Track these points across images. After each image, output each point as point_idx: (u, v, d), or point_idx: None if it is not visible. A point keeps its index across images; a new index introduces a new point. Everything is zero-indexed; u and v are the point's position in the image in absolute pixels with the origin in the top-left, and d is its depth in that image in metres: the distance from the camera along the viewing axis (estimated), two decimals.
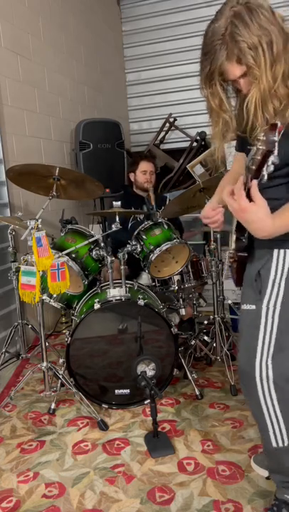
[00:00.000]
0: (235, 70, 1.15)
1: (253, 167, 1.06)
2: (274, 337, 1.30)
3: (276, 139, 1.01)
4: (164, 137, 4.92)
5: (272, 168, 1.04)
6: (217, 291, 2.59)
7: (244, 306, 1.40)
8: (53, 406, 2.24)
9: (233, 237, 1.40)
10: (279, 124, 1.02)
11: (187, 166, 4.44)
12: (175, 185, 4.64)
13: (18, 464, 1.86)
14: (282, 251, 1.28)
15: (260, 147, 1.02)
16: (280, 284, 1.29)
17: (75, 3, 4.13)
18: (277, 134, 1.01)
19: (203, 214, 1.48)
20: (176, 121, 4.87)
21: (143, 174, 3.24)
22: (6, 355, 2.74)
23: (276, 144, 1.01)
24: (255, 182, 1.11)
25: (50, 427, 2.13)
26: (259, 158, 1.04)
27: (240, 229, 1.28)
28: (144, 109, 5.21)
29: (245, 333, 1.38)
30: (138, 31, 5.09)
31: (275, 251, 1.29)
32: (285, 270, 1.29)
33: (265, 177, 1.06)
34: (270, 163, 1.04)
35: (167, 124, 4.85)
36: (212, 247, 2.52)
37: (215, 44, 1.14)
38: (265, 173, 1.05)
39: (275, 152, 1.02)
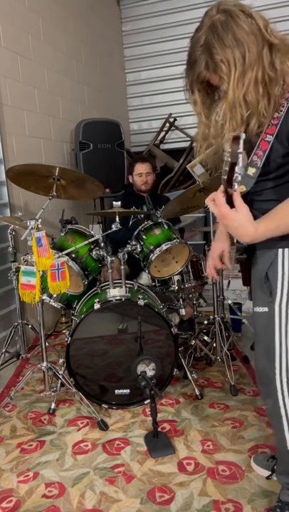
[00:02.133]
0: (215, 79, 1.18)
1: (224, 177, 1.10)
2: None
3: (240, 150, 1.04)
4: (164, 137, 4.92)
5: (239, 178, 1.07)
6: (217, 291, 2.59)
7: (256, 309, 1.41)
8: (53, 406, 2.24)
9: (235, 239, 1.40)
10: (242, 136, 1.04)
11: (187, 166, 4.43)
12: (175, 185, 4.64)
13: (18, 463, 1.86)
14: (286, 250, 1.29)
15: (228, 159, 1.06)
16: (288, 283, 1.29)
17: (75, 3, 4.13)
18: (241, 145, 1.04)
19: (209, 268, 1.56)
20: (176, 121, 4.87)
21: (139, 177, 3.24)
22: (6, 355, 2.74)
23: (240, 155, 1.04)
24: (237, 189, 1.13)
25: (50, 427, 2.13)
26: (227, 169, 1.08)
27: None
28: (144, 109, 5.21)
29: (262, 336, 1.39)
30: (138, 31, 5.09)
31: (280, 250, 1.29)
32: None
33: (236, 186, 1.08)
34: (236, 174, 1.07)
35: (167, 124, 4.85)
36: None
37: (196, 53, 1.17)
38: (235, 183, 1.08)
39: (240, 164, 1.05)
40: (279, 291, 1.30)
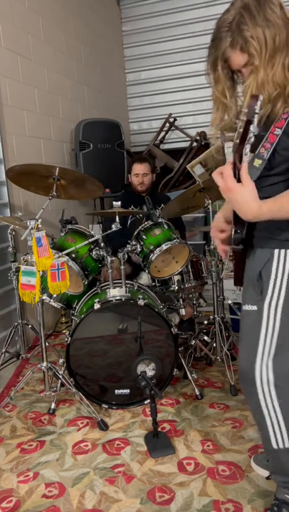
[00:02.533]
0: (238, 58, 1.20)
1: (237, 140, 1.08)
2: (275, 337, 1.29)
3: (257, 109, 1.03)
4: (164, 137, 4.92)
5: (253, 139, 1.06)
6: (217, 291, 2.59)
7: (245, 307, 1.40)
8: (53, 406, 2.24)
9: (232, 231, 1.39)
10: (260, 96, 1.04)
11: (187, 166, 4.43)
12: (175, 185, 4.64)
13: (18, 463, 1.86)
14: (282, 251, 1.28)
15: (243, 118, 1.05)
16: (281, 284, 1.29)
17: (75, 3, 4.13)
18: (258, 104, 1.03)
19: (212, 234, 1.52)
20: (176, 121, 4.87)
21: (136, 177, 3.23)
22: (6, 355, 2.75)
23: (256, 115, 1.04)
24: (245, 164, 1.11)
25: (50, 427, 2.13)
26: (241, 130, 1.06)
27: (239, 221, 1.27)
28: (144, 109, 5.20)
29: (247, 333, 1.38)
30: (138, 31, 5.08)
31: (276, 251, 1.29)
32: (287, 270, 1.28)
33: (248, 149, 1.07)
34: (251, 134, 1.05)
35: (167, 124, 4.85)
36: (212, 247, 2.52)
37: (221, 31, 1.19)
38: (247, 145, 1.07)
39: (255, 122, 1.04)
40: (270, 290, 1.30)
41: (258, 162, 1.22)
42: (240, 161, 1.11)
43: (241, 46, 1.17)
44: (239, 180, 1.12)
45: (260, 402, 1.32)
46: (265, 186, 1.27)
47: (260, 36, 1.14)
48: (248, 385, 1.35)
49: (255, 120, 1.04)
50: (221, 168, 1.16)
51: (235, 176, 1.12)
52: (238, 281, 1.47)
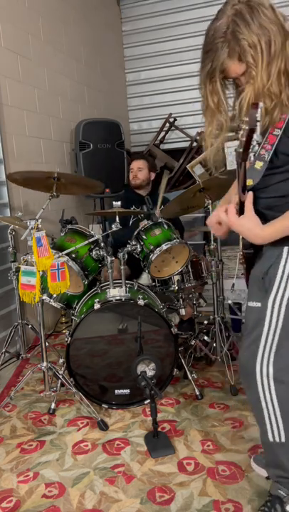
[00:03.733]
0: (236, 68, 1.18)
1: (240, 150, 1.09)
2: (278, 334, 1.31)
3: (258, 116, 1.03)
4: (164, 137, 4.92)
5: (257, 147, 1.08)
6: (217, 291, 2.59)
7: (250, 303, 1.42)
8: (53, 406, 2.24)
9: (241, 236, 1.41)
10: (261, 104, 1.04)
11: (187, 166, 4.43)
12: (175, 185, 4.64)
13: (18, 463, 1.86)
14: None
15: (245, 127, 1.05)
16: (287, 281, 1.30)
17: (75, 4, 4.13)
18: (259, 112, 1.04)
19: (209, 220, 1.53)
20: (176, 121, 4.87)
21: (131, 172, 3.35)
22: (6, 355, 2.74)
23: (258, 122, 1.04)
24: (250, 194, 1.20)
25: (50, 427, 2.13)
26: (244, 139, 1.06)
27: None
28: (144, 109, 5.20)
29: (250, 329, 1.39)
30: (138, 31, 5.08)
31: (285, 249, 1.29)
32: None
33: (252, 158, 1.10)
34: (254, 143, 1.06)
35: (167, 124, 4.85)
36: (212, 247, 2.52)
37: (217, 42, 1.16)
38: (251, 153, 1.08)
39: (258, 130, 1.05)
40: (275, 288, 1.31)
41: (259, 164, 1.23)
42: (244, 190, 1.18)
43: (239, 56, 1.15)
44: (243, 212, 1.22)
45: (259, 394, 1.34)
46: (272, 185, 1.27)
47: (257, 45, 1.12)
48: (248, 378, 1.37)
49: (258, 129, 1.04)
50: (226, 206, 1.28)
51: (240, 208, 1.23)
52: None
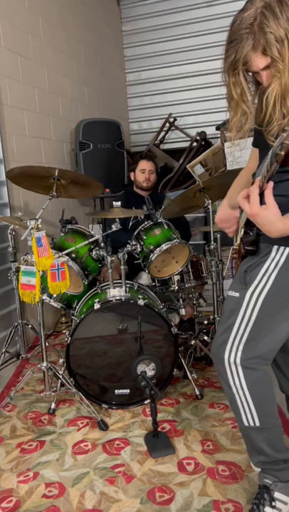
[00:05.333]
0: (259, 61, 1.16)
1: (282, 152, 1.02)
2: (250, 326, 1.32)
3: None
4: (164, 137, 4.92)
5: None
6: (217, 291, 2.59)
7: (229, 293, 1.42)
8: (53, 406, 2.24)
9: (242, 231, 1.40)
10: None
11: (187, 166, 4.44)
12: (175, 185, 4.64)
13: (18, 463, 1.86)
14: (281, 248, 1.29)
15: (286, 142, 0.99)
16: (269, 277, 1.30)
17: (75, 3, 4.13)
18: None
19: (218, 218, 1.52)
20: (176, 121, 4.87)
21: (142, 173, 3.25)
22: (6, 355, 2.75)
23: None
24: (271, 184, 1.12)
25: (50, 427, 2.13)
26: (283, 153, 1.00)
27: (250, 223, 1.29)
28: (144, 109, 5.21)
29: (225, 317, 1.40)
30: (138, 31, 5.08)
31: (275, 247, 1.30)
32: (279, 265, 1.29)
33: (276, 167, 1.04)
34: None
35: (167, 124, 4.85)
36: (212, 247, 2.52)
37: (242, 33, 1.14)
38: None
39: None
40: (256, 282, 1.31)
41: None
42: (269, 179, 1.10)
43: (264, 49, 1.13)
44: (262, 199, 1.14)
45: (229, 381, 1.35)
46: (283, 181, 1.26)
47: (284, 39, 1.10)
48: (218, 365, 1.38)
49: None
50: (247, 191, 1.18)
51: (260, 190, 1.14)
52: None
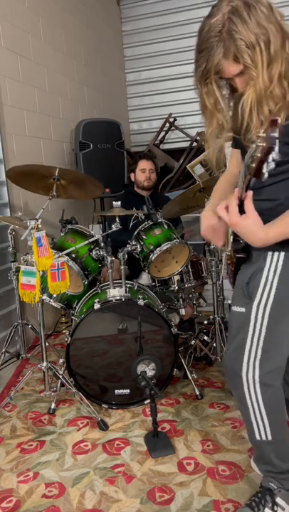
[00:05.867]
0: (231, 69, 1.12)
1: (253, 165, 1.03)
2: (262, 340, 1.31)
3: (277, 135, 0.97)
4: (164, 137, 4.92)
5: (272, 165, 1.01)
6: (217, 291, 2.59)
7: (234, 308, 1.42)
8: (53, 406, 2.24)
9: (230, 238, 1.39)
10: (279, 120, 0.98)
11: (187, 166, 4.44)
12: (175, 185, 4.64)
13: (18, 463, 1.86)
14: (276, 254, 1.29)
15: (260, 144, 0.99)
16: (271, 286, 1.29)
17: (75, 3, 4.13)
18: (277, 130, 0.98)
19: (204, 230, 1.49)
20: (176, 121, 4.87)
21: (142, 172, 3.25)
22: (6, 355, 2.75)
23: (277, 140, 0.98)
24: (250, 193, 1.11)
25: (50, 427, 2.13)
26: (259, 155, 1.00)
27: None
28: (144, 109, 5.21)
29: (234, 333, 1.39)
30: (138, 31, 5.08)
31: (269, 253, 1.29)
32: (278, 272, 1.29)
33: (266, 175, 1.03)
34: (270, 160, 1.01)
35: (167, 124, 4.85)
36: (212, 247, 2.52)
37: (211, 41, 1.10)
38: (265, 170, 1.02)
39: (276, 149, 0.99)
40: (259, 294, 1.30)
41: None
42: (247, 189, 1.09)
43: (235, 56, 1.08)
44: (242, 208, 1.12)
45: (245, 396, 1.35)
46: (264, 187, 1.26)
47: (255, 45, 1.05)
48: (234, 380, 1.37)
49: (276, 147, 0.97)
50: (225, 202, 1.16)
51: (239, 207, 1.12)
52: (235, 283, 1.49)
